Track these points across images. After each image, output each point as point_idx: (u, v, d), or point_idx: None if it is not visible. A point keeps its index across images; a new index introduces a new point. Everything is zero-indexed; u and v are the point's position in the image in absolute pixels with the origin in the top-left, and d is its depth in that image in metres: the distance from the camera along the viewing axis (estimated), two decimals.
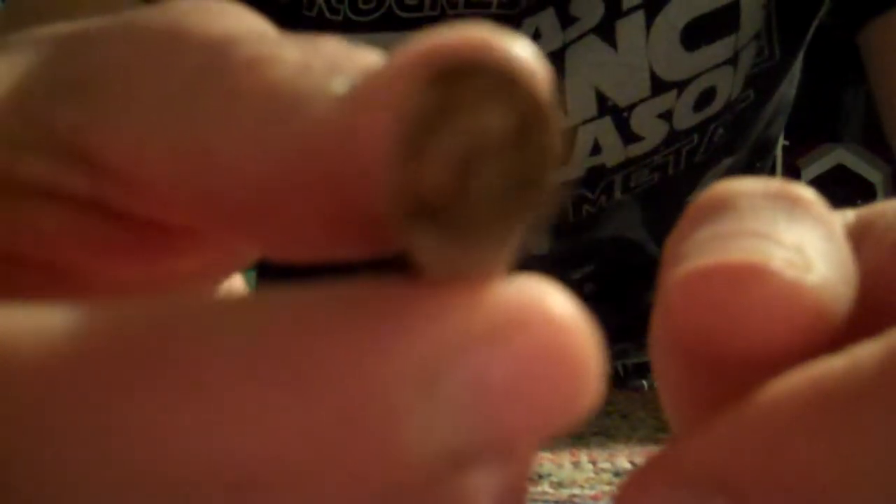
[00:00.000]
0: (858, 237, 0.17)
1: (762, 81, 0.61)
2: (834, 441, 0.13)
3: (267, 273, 0.74)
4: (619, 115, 0.57)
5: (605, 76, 0.56)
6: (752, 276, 0.14)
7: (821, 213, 0.16)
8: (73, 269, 0.16)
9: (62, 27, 0.16)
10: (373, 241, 0.13)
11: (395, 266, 0.11)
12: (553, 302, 0.11)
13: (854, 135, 2.47)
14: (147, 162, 0.14)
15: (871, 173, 2.42)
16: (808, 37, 0.63)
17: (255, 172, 0.13)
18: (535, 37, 0.56)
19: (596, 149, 0.58)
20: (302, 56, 0.13)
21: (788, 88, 0.67)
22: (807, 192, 0.16)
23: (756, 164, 0.70)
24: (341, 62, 0.13)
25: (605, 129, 0.57)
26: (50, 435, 0.10)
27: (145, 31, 0.15)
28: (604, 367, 0.11)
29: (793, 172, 2.46)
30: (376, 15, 0.56)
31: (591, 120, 0.57)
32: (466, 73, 0.09)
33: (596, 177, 0.60)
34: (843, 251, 0.15)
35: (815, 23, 0.62)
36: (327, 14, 0.57)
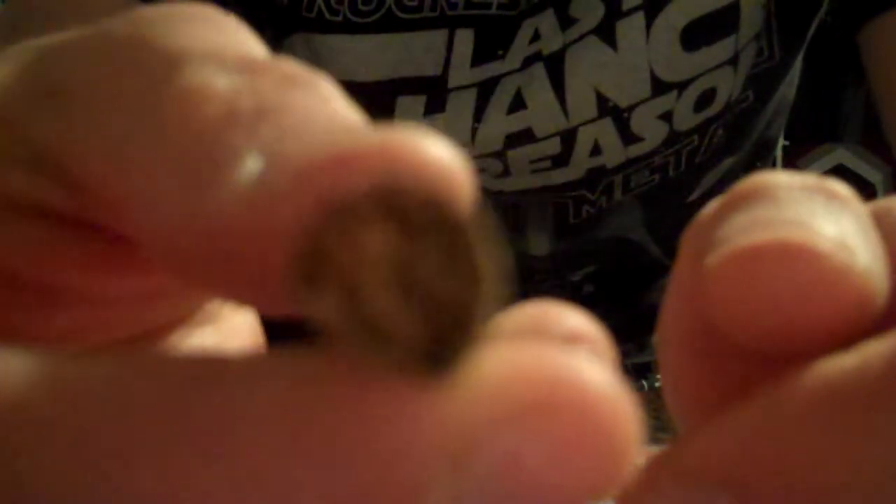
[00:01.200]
0: None
1: (762, 82, 0.61)
2: (843, 442, 0.12)
3: None
4: (619, 117, 0.57)
5: (604, 77, 0.56)
6: (804, 256, 0.14)
7: (857, 207, 0.16)
8: (62, 285, 0.16)
9: (48, 38, 0.16)
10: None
11: None
12: (587, 376, 0.11)
13: (854, 135, 2.47)
14: (110, 180, 0.14)
15: (871, 173, 2.42)
16: (808, 37, 0.63)
17: (169, 227, 0.13)
18: (535, 38, 0.56)
19: (596, 150, 0.58)
20: (233, 93, 0.13)
21: (788, 89, 0.67)
22: (842, 188, 0.16)
23: (756, 163, 0.69)
24: (274, 104, 0.13)
25: (606, 131, 0.57)
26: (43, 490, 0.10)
27: (112, 41, 0.14)
28: (640, 431, 0.11)
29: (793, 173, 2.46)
30: (376, 16, 0.56)
31: (592, 121, 0.57)
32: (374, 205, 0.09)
33: (596, 178, 0.59)
34: (879, 246, 0.15)
35: (815, 23, 0.62)
36: (327, 15, 0.57)
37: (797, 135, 2.37)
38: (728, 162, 0.64)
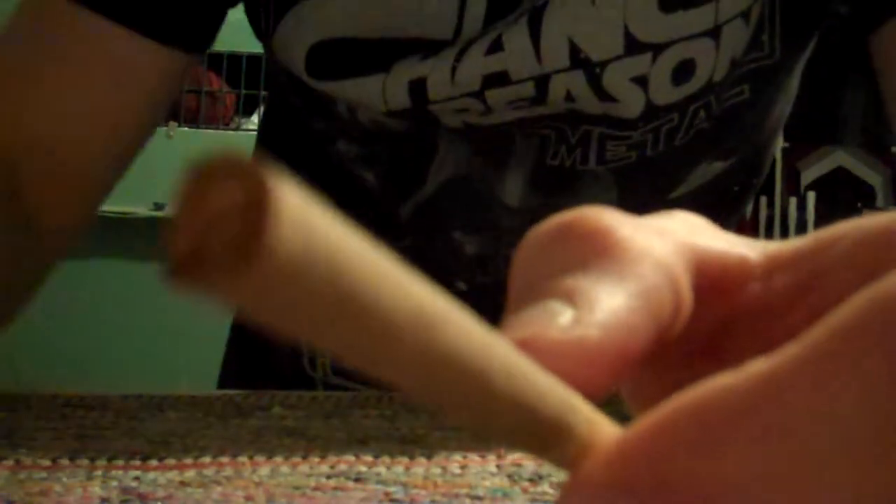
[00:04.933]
0: (815, 258, 0.19)
1: (759, 78, 0.61)
2: (712, 455, 0.14)
3: None
4: (591, 71, 0.57)
5: (579, 28, 0.56)
6: (543, 348, 0.16)
7: (623, 253, 0.18)
8: None
9: None
10: None
11: None
12: None
13: (854, 137, 2.47)
14: None
15: (871, 176, 2.42)
16: (811, 42, 0.63)
17: None
18: None
19: (569, 98, 0.58)
20: None
21: (785, 105, 0.67)
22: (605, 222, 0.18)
23: (752, 180, 0.69)
24: None
25: (578, 83, 0.57)
26: None
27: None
28: None
29: (792, 175, 2.47)
30: None
31: (564, 70, 0.57)
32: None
33: (574, 120, 0.59)
34: (642, 284, 0.18)
35: (819, 28, 0.62)
36: None
37: (797, 137, 2.38)
38: (718, 165, 0.64)
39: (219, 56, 2.31)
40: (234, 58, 2.30)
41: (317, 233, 0.12)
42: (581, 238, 0.18)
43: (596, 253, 0.18)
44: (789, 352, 0.14)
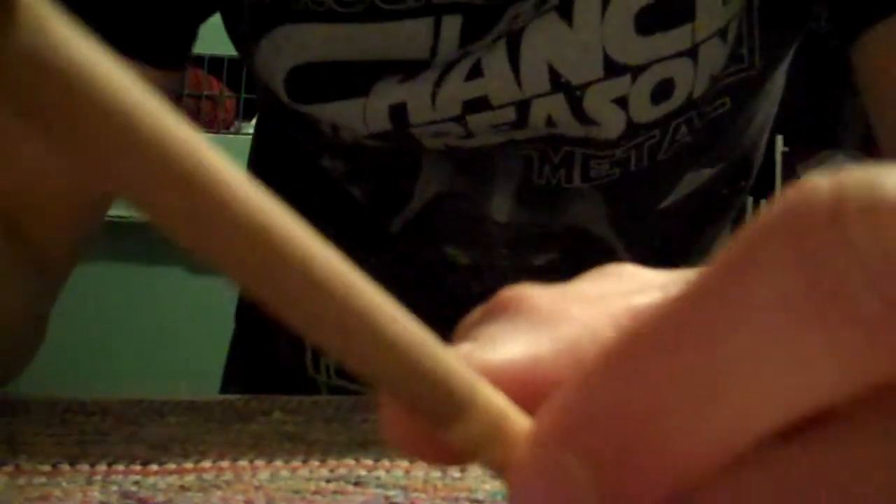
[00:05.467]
0: None
1: (741, 90, 0.61)
2: (637, 383, 0.15)
3: None
4: (571, 95, 0.57)
5: (558, 53, 0.56)
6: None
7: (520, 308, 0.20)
8: None
9: None
10: None
11: None
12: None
13: (854, 141, 2.47)
14: None
15: None
16: (791, 51, 0.63)
17: None
18: (514, 19, 0.56)
19: (551, 122, 0.58)
20: None
21: (770, 108, 0.67)
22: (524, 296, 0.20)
23: (740, 182, 0.69)
24: None
25: (559, 107, 0.57)
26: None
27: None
28: None
29: (793, 178, 2.46)
30: (359, 7, 0.56)
31: (545, 95, 0.57)
32: None
33: (555, 142, 0.59)
34: (547, 332, 0.19)
35: (799, 37, 0.62)
36: (311, 6, 0.57)
37: (797, 141, 2.38)
38: (706, 173, 0.64)
39: (219, 60, 2.31)
40: (235, 62, 2.29)
41: (62, 37, 0.12)
42: (502, 306, 0.20)
43: (512, 313, 0.20)
44: (690, 279, 0.15)
